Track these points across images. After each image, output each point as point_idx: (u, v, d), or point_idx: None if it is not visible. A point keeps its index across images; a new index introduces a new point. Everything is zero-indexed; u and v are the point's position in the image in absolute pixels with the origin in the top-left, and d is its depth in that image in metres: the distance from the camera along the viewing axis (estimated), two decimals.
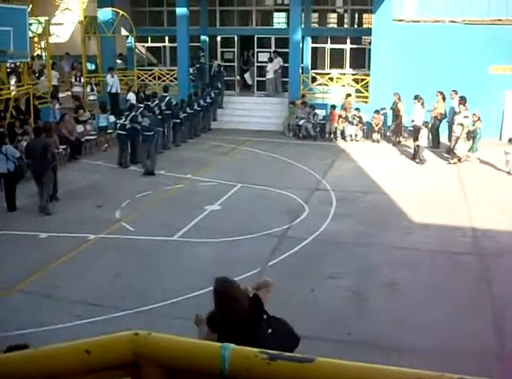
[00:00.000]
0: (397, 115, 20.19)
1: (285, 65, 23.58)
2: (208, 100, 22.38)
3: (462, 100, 17.79)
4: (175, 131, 20.12)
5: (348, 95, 21.64)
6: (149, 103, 18.77)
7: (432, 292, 9.42)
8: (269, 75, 24.24)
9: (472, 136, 17.55)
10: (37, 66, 26.25)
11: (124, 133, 17.04)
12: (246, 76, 26.38)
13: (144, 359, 1.68)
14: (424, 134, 17.37)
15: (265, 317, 4.54)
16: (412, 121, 18.52)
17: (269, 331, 4.57)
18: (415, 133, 17.99)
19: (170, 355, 1.69)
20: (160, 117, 18.68)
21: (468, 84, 19.39)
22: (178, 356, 1.68)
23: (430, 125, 18.45)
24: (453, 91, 18.91)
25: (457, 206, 13.58)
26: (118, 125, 17.25)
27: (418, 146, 17.45)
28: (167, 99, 20.07)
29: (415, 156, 17.75)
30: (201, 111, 21.72)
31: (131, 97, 20.56)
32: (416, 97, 18.47)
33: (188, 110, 20.59)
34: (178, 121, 20.00)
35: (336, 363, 1.62)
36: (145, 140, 16.40)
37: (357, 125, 20.82)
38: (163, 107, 19.47)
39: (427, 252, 11.03)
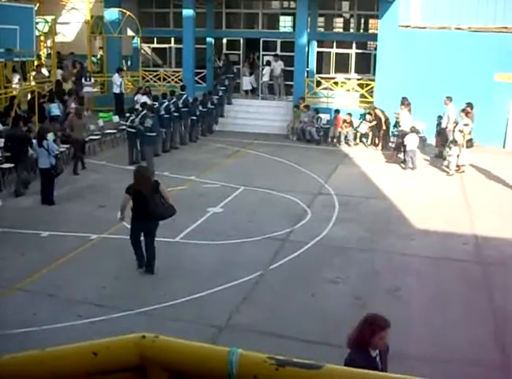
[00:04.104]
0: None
1: (290, 68, 23.56)
2: (219, 98, 22.86)
3: (467, 107, 17.59)
4: (192, 128, 20.72)
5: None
6: (155, 103, 18.92)
7: (434, 299, 9.41)
8: (265, 78, 24.30)
9: (470, 144, 17.26)
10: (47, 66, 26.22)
11: (133, 130, 17.16)
12: (252, 78, 26.39)
13: (150, 362, 1.66)
14: (413, 139, 17.43)
15: (163, 201, 9.68)
16: (399, 126, 18.36)
17: (163, 204, 9.67)
18: (402, 138, 17.90)
19: (177, 359, 1.67)
20: (176, 114, 19.34)
21: (472, 91, 19.36)
22: (185, 360, 1.66)
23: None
24: (447, 97, 18.38)
25: (460, 213, 13.55)
26: (128, 124, 17.34)
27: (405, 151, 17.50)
28: (184, 96, 20.40)
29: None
30: (214, 109, 22.20)
31: (140, 98, 20.58)
32: (403, 103, 18.22)
33: (201, 108, 21.06)
34: (194, 118, 20.64)
35: (345, 370, 1.60)
36: (148, 142, 16.46)
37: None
38: (180, 105, 19.87)
39: (429, 258, 11.01)
